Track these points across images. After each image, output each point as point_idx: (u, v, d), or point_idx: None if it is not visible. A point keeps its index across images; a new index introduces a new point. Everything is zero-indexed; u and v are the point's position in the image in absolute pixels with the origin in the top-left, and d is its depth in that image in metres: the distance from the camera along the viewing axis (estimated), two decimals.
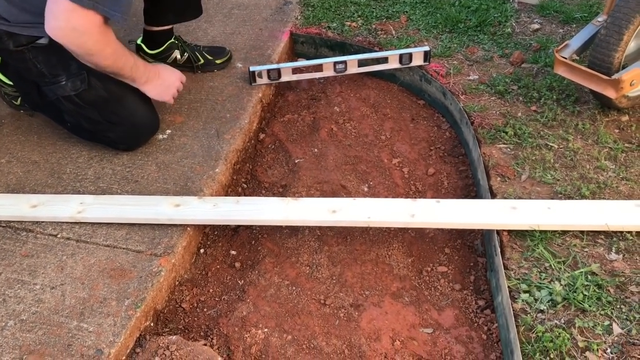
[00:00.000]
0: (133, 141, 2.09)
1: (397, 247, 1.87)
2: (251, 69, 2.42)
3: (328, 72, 2.50)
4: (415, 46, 2.57)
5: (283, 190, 2.12)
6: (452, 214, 1.75)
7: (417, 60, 2.49)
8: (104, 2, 1.67)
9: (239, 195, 2.13)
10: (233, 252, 1.91)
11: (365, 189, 2.11)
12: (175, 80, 2.12)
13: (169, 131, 2.20)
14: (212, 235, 1.97)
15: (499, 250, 1.66)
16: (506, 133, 2.07)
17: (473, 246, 1.88)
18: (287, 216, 1.78)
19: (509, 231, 1.71)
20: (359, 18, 2.89)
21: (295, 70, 2.51)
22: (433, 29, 2.75)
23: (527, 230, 1.70)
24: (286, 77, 2.48)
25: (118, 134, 2.04)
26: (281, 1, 3.09)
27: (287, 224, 1.85)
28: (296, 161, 2.23)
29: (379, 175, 2.16)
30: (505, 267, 1.61)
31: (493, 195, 1.85)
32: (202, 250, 1.91)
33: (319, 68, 2.49)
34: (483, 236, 1.87)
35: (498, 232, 1.72)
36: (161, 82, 2.06)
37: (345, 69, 2.49)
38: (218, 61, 2.53)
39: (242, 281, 1.80)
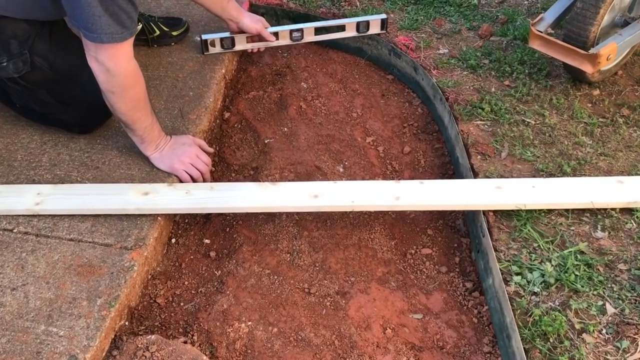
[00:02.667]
0: (89, 123, 1.92)
1: (379, 230, 1.81)
2: (203, 37, 2.28)
3: (284, 41, 2.39)
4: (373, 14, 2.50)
5: (254, 173, 2.01)
6: (437, 196, 1.70)
7: (374, 29, 2.42)
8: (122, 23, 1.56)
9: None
10: (207, 241, 1.81)
11: (341, 170, 2.03)
12: (189, 148, 1.81)
13: None
14: (182, 224, 1.85)
15: (486, 231, 1.63)
16: (482, 109, 2.03)
17: (455, 226, 1.85)
18: (266, 202, 1.68)
19: (495, 211, 1.68)
20: None
21: (250, 39, 2.39)
22: (398, 1, 2.67)
23: (512, 210, 1.67)
24: (240, 46, 2.34)
25: (72, 115, 1.87)
26: None
27: (267, 211, 1.75)
28: (266, 141, 2.12)
29: (354, 155, 2.08)
30: (495, 249, 1.58)
31: (475, 175, 1.81)
32: (173, 240, 1.79)
33: (274, 36, 2.38)
34: (465, 216, 1.83)
35: (484, 212, 1.68)
36: (171, 152, 1.80)
37: (302, 37, 2.39)
38: (175, 33, 2.37)
39: (220, 272, 1.70)
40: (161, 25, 2.34)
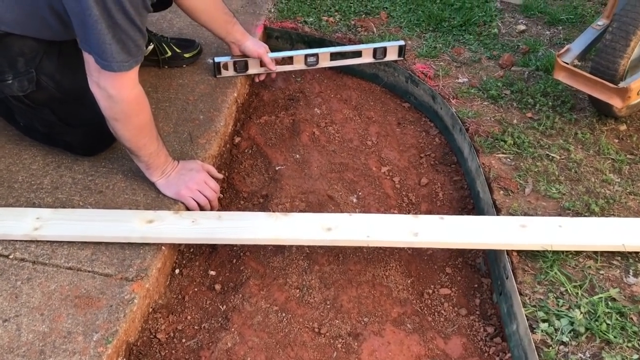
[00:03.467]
0: (93, 145, 1.85)
1: (394, 267, 1.71)
2: (216, 59, 2.21)
3: (299, 65, 2.32)
4: (390, 41, 2.43)
5: (264, 201, 1.92)
6: (459, 233, 1.60)
7: (392, 55, 2.35)
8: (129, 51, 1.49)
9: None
10: (212, 273, 1.71)
11: (355, 200, 1.94)
12: (197, 174, 1.73)
13: None
14: (187, 254, 1.76)
15: (510, 272, 1.53)
16: (505, 142, 1.94)
17: (475, 265, 1.75)
18: (277, 234, 1.59)
19: (519, 251, 1.58)
20: (336, 13, 2.71)
21: (264, 63, 2.32)
22: (416, 27, 2.60)
23: (538, 251, 1.57)
24: (254, 70, 2.28)
25: (77, 137, 1.80)
26: None
27: (278, 244, 1.66)
28: (277, 168, 2.04)
29: (368, 185, 1.99)
30: (519, 292, 1.48)
31: (497, 211, 1.72)
32: (177, 271, 1.70)
33: (289, 61, 2.31)
34: (486, 254, 1.73)
35: (508, 252, 1.58)
36: (178, 178, 1.72)
37: (317, 62, 2.32)
38: (187, 55, 2.30)
39: (225, 306, 1.61)
40: (173, 47, 2.28)
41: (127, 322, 1.42)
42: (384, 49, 2.34)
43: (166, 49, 2.26)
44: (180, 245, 1.74)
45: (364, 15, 2.69)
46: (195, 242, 1.66)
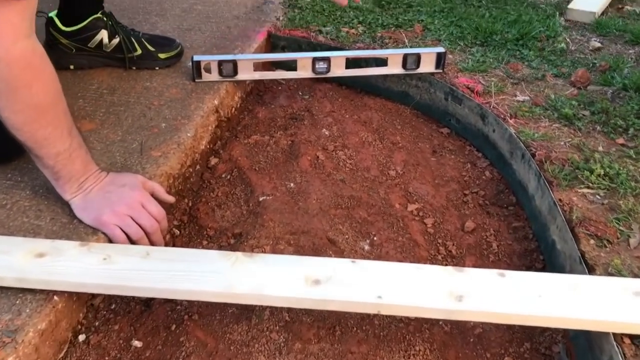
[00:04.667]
0: (2, 152, 1.31)
1: (422, 352, 1.07)
2: (195, 58, 1.68)
3: (304, 72, 1.78)
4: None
5: (235, 242, 1.33)
6: (529, 300, 0.97)
7: (427, 66, 1.79)
8: None
9: (166, 246, 1.33)
10: (137, 344, 1.10)
11: (366, 247, 1.33)
12: (131, 193, 1.17)
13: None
14: (104, 311, 1.15)
15: None
16: (591, 172, 1.32)
17: (552, 356, 1.09)
18: (230, 286, 0.98)
19: (634, 336, 0.94)
20: (359, 25, 2.19)
21: (259, 66, 1.78)
22: (459, 41, 2.05)
23: None
24: (245, 75, 1.74)
25: None
26: (260, 0, 2.39)
27: (234, 301, 1.03)
28: (260, 199, 1.45)
29: (387, 228, 1.38)
30: None
31: (589, 269, 1.08)
32: (81, 337, 1.09)
33: (291, 66, 1.78)
34: (572, 338, 1.08)
35: (615, 335, 0.94)
36: (102, 196, 1.16)
37: (329, 69, 1.77)
38: (162, 55, 1.79)
39: None
40: (145, 43, 1.77)
41: None
42: (417, 57, 1.78)
43: (136, 45, 1.75)
44: (93, 297, 1.14)
45: (394, 28, 2.16)
46: (104, 290, 1.04)
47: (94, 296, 1.14)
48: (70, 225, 1.17)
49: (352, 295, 0.97)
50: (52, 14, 1.68)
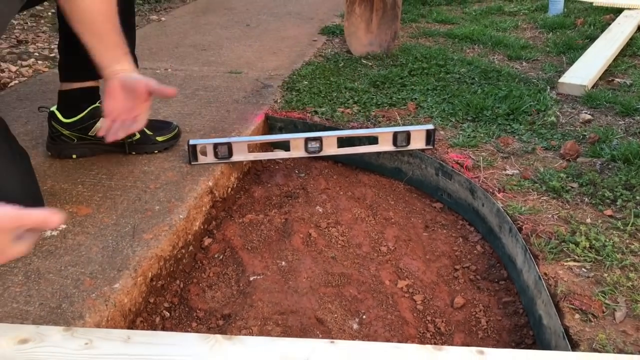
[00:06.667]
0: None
1: None
2: (191, 142, 1.75)
3: (297, 152, 1.83)
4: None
5: (224, 324, 1.33)
6: None
7: (418, 142, 1.83)
8: None
9: (155, 329, 1.34)
10: None
11: (355, 326, 1.32)
12: None
13: (63, 226, 1.46)
14: None
15: None
16: (576, 245, 1.32)
17: None
18: None
19: None
20: (354, 105, 2.26)
21: (255, 148, 1.84)
22: (451, 117, 2.10)
23: None
24: (240, 156, 1.80)
25: None
26: (259, 84, 2.49)
27: None
28: (251, 278, 1.46)
29: (377, 306, 1.38)
30: None
31: (573, 345, 1.07)
32: None
33: (285, 146, 1.84)
34: None
35: None
36: None
37: (321, 148, 1.83)
38: (160, 139, 1.86)
39: None
40: (143, 128, 1.84)
41: None
42: (407, 134, 1.83)
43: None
44: None
45: (387, 107, 2.23)
46: None
47: None
48: (58, 310, 1.19)
49: None
50: (53, 108, 1.77)
